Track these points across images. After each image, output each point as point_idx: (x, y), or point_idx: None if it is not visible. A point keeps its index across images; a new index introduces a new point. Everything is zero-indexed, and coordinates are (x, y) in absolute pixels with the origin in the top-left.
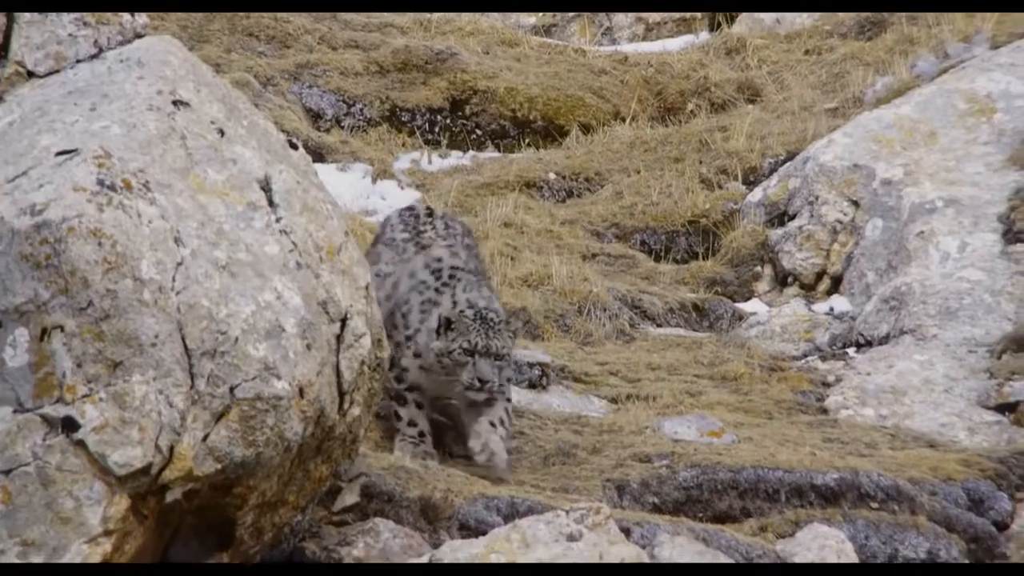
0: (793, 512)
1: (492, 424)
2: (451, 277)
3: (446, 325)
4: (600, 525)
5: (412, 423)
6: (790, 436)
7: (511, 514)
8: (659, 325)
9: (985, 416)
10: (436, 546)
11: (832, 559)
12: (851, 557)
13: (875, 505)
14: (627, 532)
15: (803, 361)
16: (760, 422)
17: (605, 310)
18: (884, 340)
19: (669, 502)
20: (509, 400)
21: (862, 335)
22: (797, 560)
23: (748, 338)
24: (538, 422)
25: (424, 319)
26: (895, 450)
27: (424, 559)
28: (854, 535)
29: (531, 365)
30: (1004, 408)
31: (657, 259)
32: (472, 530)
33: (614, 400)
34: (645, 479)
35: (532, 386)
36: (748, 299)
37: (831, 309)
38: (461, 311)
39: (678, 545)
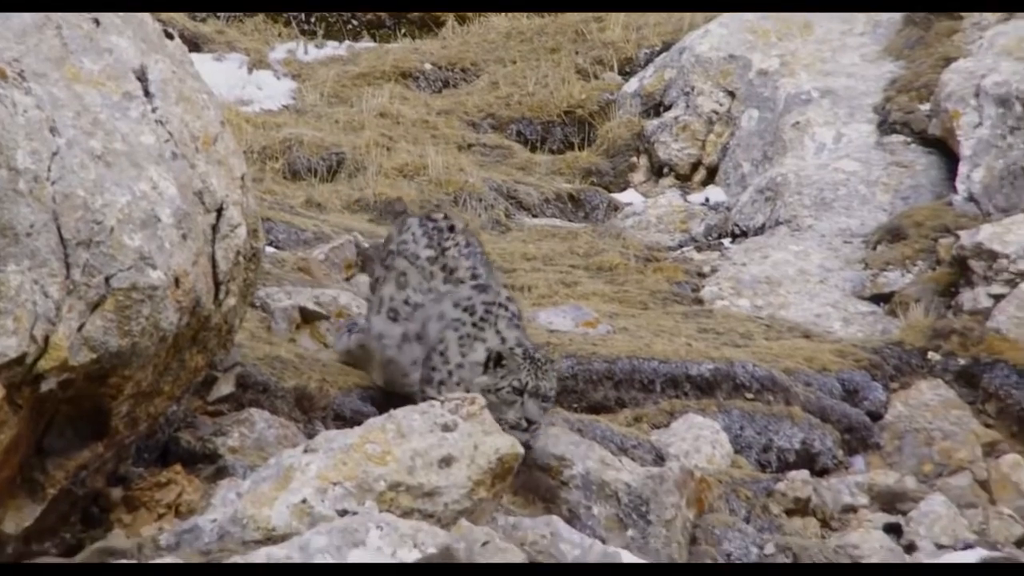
0: (668, 402)
1: None
2: (487, 312)
3: (496, 360)
4: (475, 415)
5: None
6: (665, 327)
7: (386, 405)
8: (535, 215)
9: (860, 306)
10: (311, 436)
11: (707, 449)
12: (726, 447)
13: (750, 395)
14: None
15: (678, 251)
16: (635, 312)
17: (480, 200)
18: (759, 231)
19: None
20: None
21: (737, 225)
22: (672, 450)
23: (623, 228)
24: None
25: (466, 352)
26: (770, 340)
27: (298, 449)
28: (729, 425)
29: None
30: (879, 298)
31: (533, 149)
32: (347, 420)
33: None
34: None
35: None
36: (624, 189)
37: (706, 200)
38: (511, 348)
39: (553, 435)
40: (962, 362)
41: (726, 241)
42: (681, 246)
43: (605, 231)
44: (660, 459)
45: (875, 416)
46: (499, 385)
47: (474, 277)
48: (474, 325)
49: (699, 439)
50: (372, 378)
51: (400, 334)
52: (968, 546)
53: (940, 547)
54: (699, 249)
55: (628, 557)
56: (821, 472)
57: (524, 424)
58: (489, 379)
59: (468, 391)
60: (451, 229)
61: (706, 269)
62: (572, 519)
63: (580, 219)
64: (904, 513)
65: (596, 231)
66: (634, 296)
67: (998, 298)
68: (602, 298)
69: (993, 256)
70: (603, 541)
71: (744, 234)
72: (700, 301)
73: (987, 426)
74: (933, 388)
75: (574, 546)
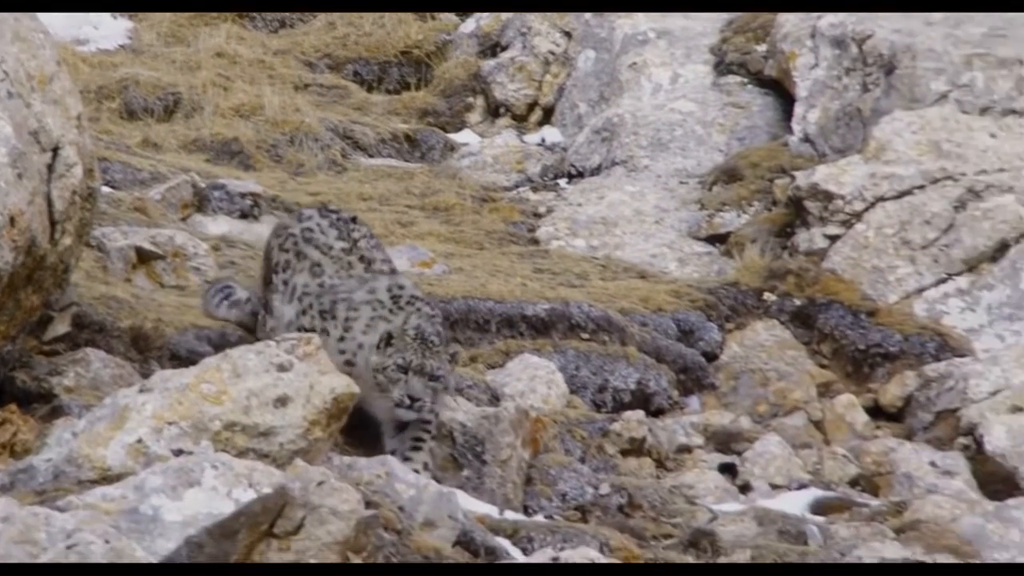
0: (504, 343)
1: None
2: (408, 303)
3: (387, 340)
4: (311, 355)
5: None
6: (501, 267)
7: (222, 344)
8: (371, 156)
9: (695, 247)
10: (146, 376)
11: (542, 390)
12: (561, 387)
13: (585, 336)
14: None
15: (514, 192)
16: (471, 253)
17: (317, 140)
18: (596, 171)
19: None
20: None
21: (574, 166)
22: (507, 390)
23: (460, 169)
24: (249, 252)
25: (368, 332)
26: (606, 281)
27: (134, 388)
28: (564, 365)
29: (243, 195)
30: (714, 239)
31: (369, 89)
32: (183, 360)
33: None
34: None
35: (244, 216)
36: (460, 130)
37: (543, 140)
38: (404, 330)
39: None
40: (797, 303)
41: (562, 181)
42: (517, 186)
43: (441, 171)
44: (495, 399)
45: (710, 356)
46: (386, 363)
47: (393, 271)
48: (389, 311)
49: (534, 379)
50: None
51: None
52: (802, 486)
53: (775, 487)
54: (535, 189)
55: (463, 497)
56: (656, 412)
57: (407, 401)
58: (378, 359)
59: (351, 364)
60: (353, 220)
61: (542, 209)
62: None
63: (416, 159)
64: (739, 453)
65: (432, 171)
66: (470, 236)
67: (833, 239)
68: (438, 238)
69: (829, 197)
70: (438, 481)
71: (580, 174)
72: (536, 241)
73: (822, 366)
74: (768, 329)
75: (409, 486)
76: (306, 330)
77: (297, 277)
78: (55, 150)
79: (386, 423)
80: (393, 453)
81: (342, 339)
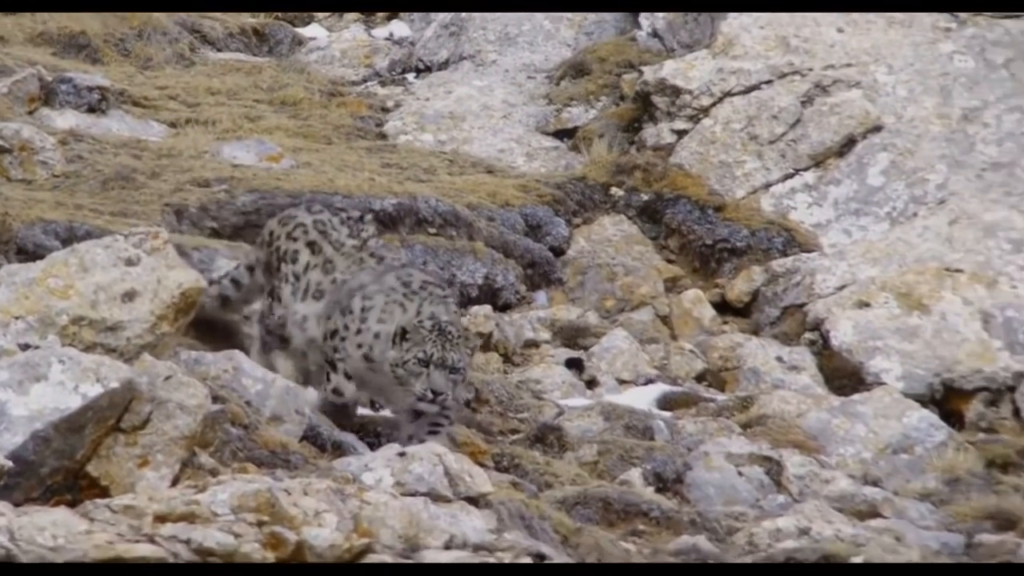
0: None
1: None
2: (421, 288)
3: (401, 335)
4: (159, 250)
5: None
6: (349, 161)
7: (69, 238)
8: (219, 50)
9: (544, 142)
10: None
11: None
12: None
13: (433, 231)
14: (186, 256)
15: (362, 86)
16: (319, 147)
17: (165, 34)
18: (444, 66)
19: (228, 226)
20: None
21: (422, 60)
22: None
23: (308, 63)
24: (97, 146)
25: (383, 321)
26: (453, 175)
27: None
28: (412, 260)
29: (90, 89)
30: (562, 134)
31: None
32: (30, 254)
33: (173, 124)
34: (204, 204)
35: (91, 110)
36: (308, 24)
37: (391, 35)
38: (420, 322)
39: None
40: (645, 198)
41: (410, 76)
42: (365, 81)
43: (289, 66)
44: None
45: (558, 251)
46: (405, 358)
47: (404, 265)
48: (404, 295)
49: None
50: (273, 365)
51: (323, 307)
52: (649, 381)
53: (622, 382)
54: (383, 84)
55: (311, 392)
56: (504, 307)
57: (430, 395)
58: (396, 353)
59: (369, 358)
60: (361, 219)
61: (390, 104)
62: None
63: (264, 53)
64: (586, 348)
65: (280, 66)
66: (318, 131)
67: (681, 134)
68: (286, 133)
69: (676, 92)
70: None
71: (428, 69)
72: (384, 136)
73: (669, 261)
74: (616, 223)
75: (256, 380)
76: (334, 332)
77: (312, 273)
78: None
79: (402, 411)
80: (410, 439)
81: (359, 332)
